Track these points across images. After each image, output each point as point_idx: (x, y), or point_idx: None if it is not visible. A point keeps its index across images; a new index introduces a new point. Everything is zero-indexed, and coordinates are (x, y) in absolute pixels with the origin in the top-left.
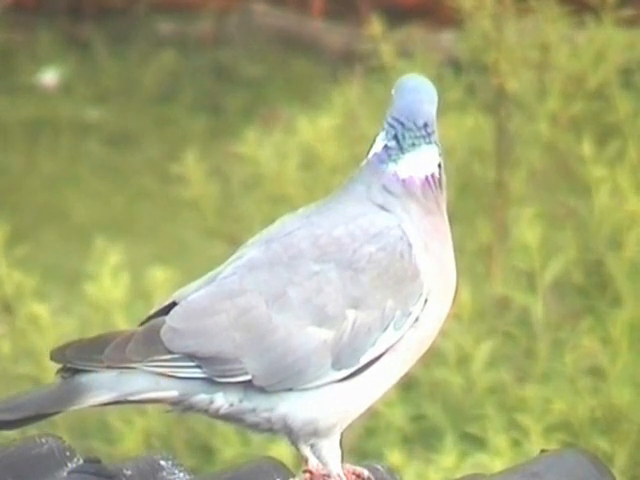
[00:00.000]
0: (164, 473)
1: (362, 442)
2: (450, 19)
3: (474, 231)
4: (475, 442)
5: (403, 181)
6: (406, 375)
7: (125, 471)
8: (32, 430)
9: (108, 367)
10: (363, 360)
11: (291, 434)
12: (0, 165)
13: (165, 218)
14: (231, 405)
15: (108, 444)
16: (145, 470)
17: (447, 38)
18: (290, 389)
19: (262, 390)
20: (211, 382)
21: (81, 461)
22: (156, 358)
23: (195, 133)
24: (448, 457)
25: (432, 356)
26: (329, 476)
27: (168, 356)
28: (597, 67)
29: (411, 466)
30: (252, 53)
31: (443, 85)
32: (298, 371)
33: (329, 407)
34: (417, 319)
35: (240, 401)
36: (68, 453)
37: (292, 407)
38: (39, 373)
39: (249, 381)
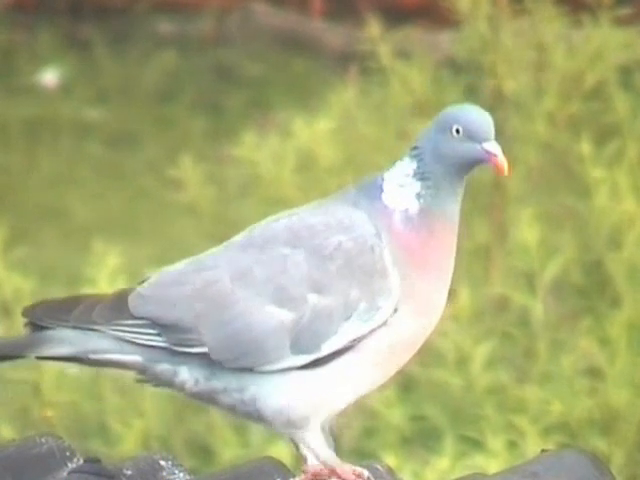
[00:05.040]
0: (164, 473)
1: (361, 442)
2: (450, 20)
3: (472, 231)
4: (473, 443)
5: (390, 215)
6: (402, 376)
7: (125, 471)
8: (32, 430)
9: (74, 327)
10: (325, 348)
11: (266, 422)
12: (0, 165)
13: (165, 219)
14: (197, 382)
15: (107, 445)
16: (145, 470)
17: (446, 39)
18: (251, 369)
19: (223, 367)
20: (173, 352)
21: (81, 461)
22: (119, 322)
23: (195, 133)
24: (443, 458)
25: (431, 356)
26: (330, 470)
27: (130, 321)
28: (594, 67)
29: (407, 467)
30: (252, 53)
31: (441, 86)
32: (255, 349)
33: (296, 396)
34: (386, 322)
35: (206, 379)
36: (68, 453)
37: (260, 390)
38: (38, 376)
39: (209, 355)
